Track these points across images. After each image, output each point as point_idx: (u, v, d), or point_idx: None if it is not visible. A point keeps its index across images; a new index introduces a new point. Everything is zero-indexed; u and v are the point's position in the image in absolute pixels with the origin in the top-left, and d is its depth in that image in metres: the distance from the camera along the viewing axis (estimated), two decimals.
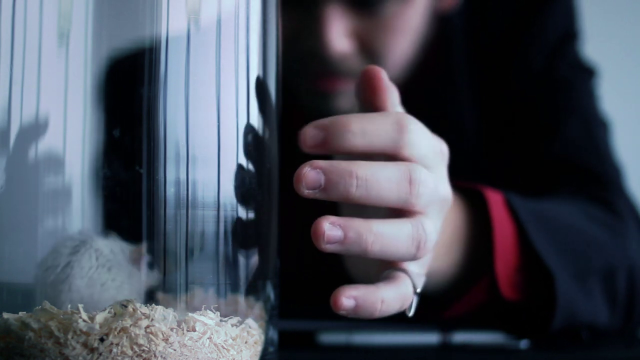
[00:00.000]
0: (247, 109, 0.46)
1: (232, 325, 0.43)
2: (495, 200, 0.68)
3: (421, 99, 0.87)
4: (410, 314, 0.50)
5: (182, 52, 0.44)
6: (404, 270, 0.50)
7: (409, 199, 0.47)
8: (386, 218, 0.48)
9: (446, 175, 0.52)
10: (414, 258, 0.49)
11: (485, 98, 0.92)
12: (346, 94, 0.83)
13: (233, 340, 0.43)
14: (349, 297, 0.47)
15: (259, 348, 0.45)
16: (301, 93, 0.85)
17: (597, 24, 1.16)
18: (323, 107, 0.84)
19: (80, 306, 0.41)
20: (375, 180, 0.46)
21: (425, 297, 0.66)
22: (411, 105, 0.58)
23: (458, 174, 0.58)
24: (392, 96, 0.51)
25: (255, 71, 0.46)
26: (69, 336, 0.40)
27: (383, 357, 0.60)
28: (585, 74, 0.94)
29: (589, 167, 0.86)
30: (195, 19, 0.44)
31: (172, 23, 0.44)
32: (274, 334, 0.47)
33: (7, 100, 0.44)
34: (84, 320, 0.40)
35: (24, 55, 0.44)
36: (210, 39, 0.45)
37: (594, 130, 0.90)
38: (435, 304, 0.68)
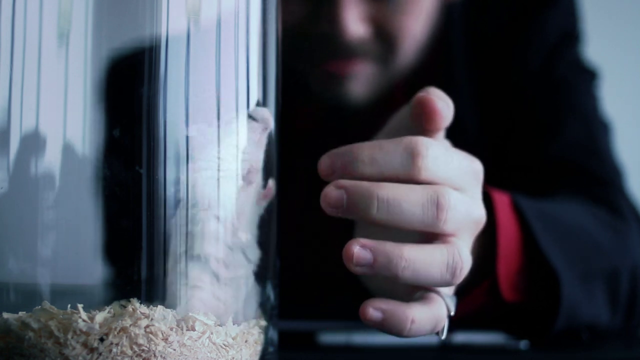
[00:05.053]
0: (247, 109, 0.46)
1: (232, 325, 0.43)
2: (502, 201, 0.67)
3: None
4: (443, 337, 0.49)
5: (182, 52, 0.44)
6: (437, 292, 0.49)
7: (437, 224, 0.47)
8: (419, 240, 0.48)
9: (480, 194, 0.51)
10: (448, 284, 0.48)
11: (485, 97, 0.93)
12: (358, 77, 0.83)
13: (233, 339, 0.43)
14: (377, 309, 0.47)
15: (258, 348, 0.45)
16: (313, 77, 0.85)
17: (598, 25, 1.16)
18: (335, 91, 0.84)
19: (80, 306, 0.41)
20: (398, 203, 0.46)
21: None
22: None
23: None
24: (444, 119, 0.51)
25: (255, 71, 0.46)
26: (69, 336, 0.40)
27: (383, 357, 0.60)
28: (585, 75, 0.94)
29: (589, 168, 0.86)
30: (195, 19, 0.44)
31: (172, 23, 0.44)
32: (274, 334, 0.47)
33: (7, 100, 0.44)
34: (84, 320, 0.40)
35: (24, 55, 0.44)
36: (210, 39, 0.45)
37: (594, 131, 0.90)
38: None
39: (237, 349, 0.43)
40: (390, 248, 0.46)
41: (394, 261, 0.46)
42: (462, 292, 0.66)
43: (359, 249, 0.46)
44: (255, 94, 0.46)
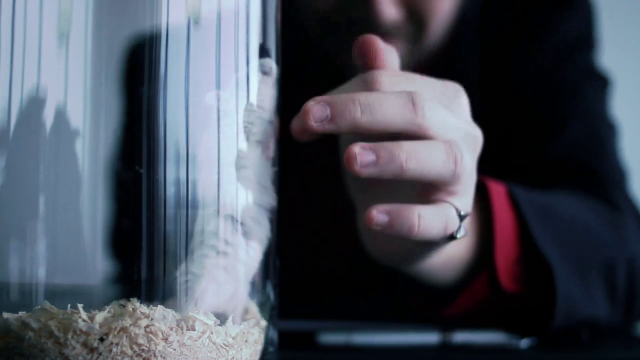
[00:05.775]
0: (247, 107, 0.46)
1: (232, 325, 0.43)
2: (498, 191, 0.68)
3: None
4: (459, 235, 0.51)
5: (182, 52, 0.44)
6: (445, 200, 0.50)
7: (415, 120, 0.48)
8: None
9: (474, 161, 0.52)
10: (453, 175, 0.49)
11: (492, 95, 0.93)
12: None
13: (233, 339, 0.43)
14: (382, 212, 0.48)
15: (258, 347, 0.45)
16: (345, 62, 0.86)
17: (613, 32, 1.16)
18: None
19: (80, 306, 0.41)
20: (379, 103, 0.47)
21: (428, 293, 0.67)
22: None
23: None
24: (390, 57, 0.52)
25: (255, 70, 0.46)
26: (69, 336, 0.40)
27: (383, 357, 0.60)
28: (596, 81, 0.95)
29: (590, 166, 0.86)
30: (195, 18, 0.44)
31: (172, 23, 0.44)
32: (274, 334, 0.47)
33: (7, 100, 0.44)
34: (84, 320, 0.40)
35: (24, 55, 0.44)
36: (210, 39, 0.45)
37: (599, 132, 0.90)
38: (437, 300, 0.68)
39: (237, 348, 0.43)
40: (390, 145, 0.47)
41: (396, 153, 0.47)
42: (463, 284, 0.66)
43: (360, 149, 0.47)
44: (256, 93, 0.46)
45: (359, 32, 0.85)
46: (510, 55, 0.94)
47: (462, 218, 0.51)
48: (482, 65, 0.94)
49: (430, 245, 0.54)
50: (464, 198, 0.52)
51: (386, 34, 0.81)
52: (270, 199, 0.47)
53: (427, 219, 0.49)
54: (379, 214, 0.48)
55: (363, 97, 0.48)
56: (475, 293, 0.67)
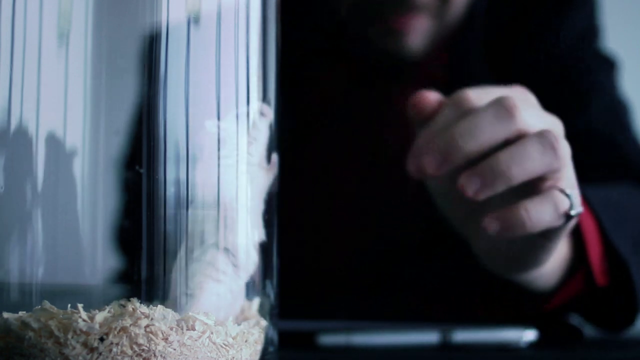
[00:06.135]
0: (247, 108, 0.46)
1: (232, 325, 0.43)
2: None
3: (437, 82, 0.90)
4: (575, 212, 0.54)
5: (182, 52, 0.44)
6: (550, 186, 0.54)
7: (513, 126, 0.53)
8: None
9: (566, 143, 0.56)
10: (556, 161, 0.53)
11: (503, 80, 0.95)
12: (416, 31, 0.87)
13: (233, 339, 0.43)
14: (492, 219, 0.53)
15: (259, 347, 0.45)
16: (372, 35, 0.88)
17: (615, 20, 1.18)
18: (394, 46, 0.87)
19: (80, 306, 0.41)
20: (479, 129, 0.54)
21: (529, 292, 0.69)
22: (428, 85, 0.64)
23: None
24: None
25: (255, 70, 0.46)
26: (69, 336, 0.40)
27: (383, 357, 0.60)
28: (606, 64, 0.97)
29: (616, 142, 0.89)
30: (195, 18, 0.44)
31: (172, 23, 0.44)
32: (274, 334, 0.47)
33: (7, 100, 0.44)
34: (84, 320, 0.40)
35: (24, 55, 0.44)
36: (210, 39, 0.45)
37: (617, 110, 0.93)
38: (539, 298, 0.70)
39: (237, 348, 0.43)
40: (490, 162, 0.52)
41: (499, 167, 0.52)
42: (560, 285, 0.69)
43: (467, 178, 0.53)
44: (255, 93, 0.46)
45: (388, 5, 0.87)
46: (520, 46, 0.95)
47: (569, 196, 0.54)
48: (492, 58, 0.95)
49: (553, 233, 0.57)
50: (566, 178, 0.55)
51: (413, 9, 0.84)
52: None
53: (534, 210, 0.52)
54: (490, 222, 0.53)
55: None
56: (572, 289, 0.69)
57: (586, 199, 0.69)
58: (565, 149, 0.54)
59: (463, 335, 0.63)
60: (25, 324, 0.40)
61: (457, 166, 0.54)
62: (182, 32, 0.44)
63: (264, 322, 0.46)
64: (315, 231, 0.95)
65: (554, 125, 0.57)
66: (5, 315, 0.42)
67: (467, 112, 0.55)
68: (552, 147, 0.53)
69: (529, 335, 0.64)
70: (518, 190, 0.54)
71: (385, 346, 0.63)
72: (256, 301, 0.46)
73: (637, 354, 0.68)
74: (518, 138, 0.54)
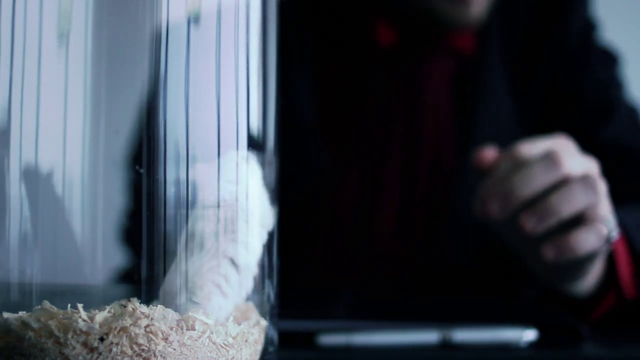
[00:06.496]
0: (247, 108, 0.46)
1: (232, 324, 0.43)
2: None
3: (454, 89, 0.93)
4: (613, 236, 0.70)
5: (182, 52, 0.44)
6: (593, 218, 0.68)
7: (560, 173, 0.68)
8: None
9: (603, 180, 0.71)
10: (597, 201, 0.68)
11: (522, 86, 0.98)
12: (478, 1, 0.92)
13: (233, 339, 0.43)
14: (550, 249, 0.68)
15: (259, 347, 0.45)
16: (433, 5, 0.93)
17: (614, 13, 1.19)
18: (456, 14, 0.93)
19: (80, 306, 0.41)
20: (531, 182, 0.69)
21: (578, 305, 0.80)
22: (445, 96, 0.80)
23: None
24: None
25: (255, 70, 0.46)
26: (69, 336, 0.40)
27: (383, 357, 0.60)
28: (609, 59, 1.01)
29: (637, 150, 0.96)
30: (195, 19, 0.44)
31: (172, 23, 0.44)
32: (274, 334, 0.47)
33: (7, 100, 0.44)
34: (84, 320, 0.40)
35: (24, 55, 0.44)
36: (210, 39, 0.45)
37: (632, 115, 0.98)
38: (586, 309, 0.81)
39: (237, 348, 0.43)
40: (545, 203, 0.68)
41: (552, 208, 0.67)
42: (599, 297, 0.80)
43: (527, 218, 0.68)
44: (256, 93, 0.46)
45: None
46: (539, 43, 0.99)
47: (607, 225, 0.69)
48: (510, 59, 0.98)
49: (595, 254, 0.72)
50: (604, 209, 0.70)
51: None
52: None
53: (581, 239, 0.68)
54: (547, 251, 0.68)
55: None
56: (608, 302, 0.80)
57: (619, 220, 0.79)
58: (601, 187, 0.69)
59: (463, 335, 0.64)
60: (25, 324, 0.40)
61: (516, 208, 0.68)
62: (182, 32, 0.44)
63: (264, 322, 0.46)
64: (315, 229, 0.95)
65: (591, 166, 0.70)
66: (5, 315, 0.42)
67: (521, 164, 0.68)
68: (592, 188, 0.67)
69: (529, 335, 0.64)
70: (566, 223, 0.68)
71: (385, 346, 0.63)
72: (256, 301, 0.46)
73: (637, 354, 0.68)
74: (564, 181, 0.68)
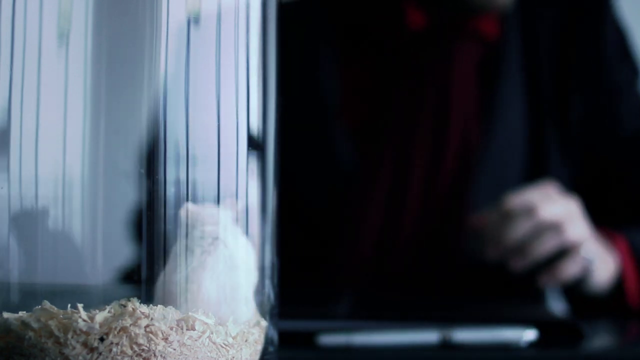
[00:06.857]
0: (247, 108, 0.46)
1: (232, 324, 0.43)
2: (620, 240, 0.95)
3: (479, 75, 0.97)
4: (594, 266, 0.88)
5: (182, 52, 0.44)
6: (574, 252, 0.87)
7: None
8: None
9: (583, 221, 0.89)
10: (571, 244, 0.87)
11: (536, 80, 1.00)
12: None
13: (233, 339, 0.43)
14: (544, 276, 0.88)
15: (259, 347, 0.45)
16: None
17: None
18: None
19: (80, 306, 0.41)
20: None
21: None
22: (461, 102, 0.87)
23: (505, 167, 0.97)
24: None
25: (255, 70, 0.46)
26: (69, 336, 0.40)
27: (383, 357, 0.60)
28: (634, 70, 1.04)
29: None
30: (195, 19, 0.44)
31: (172, 23, 0.44)
32: (274, 334, 0.47)
33: (7, 100, 0.44)
34: (84, 320, 0.40)
35: (24, 55, 0.44)
36: (210, 39, 0.45)
37: None
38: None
39: (237, 348, 0.43)
40: (526, 249, 0.87)
41: (531, 252, 0.88)
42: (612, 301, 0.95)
43: (515, 263, 0.88)
44: (256, 93, 0.46)
45: None
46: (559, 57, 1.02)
47: (588, 257, 0.88)
48: (528, 70, 1.01)
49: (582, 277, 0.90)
50: (586, 246, 0.87)
51: None
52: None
53: (565, 268, 0.87)
54: (543, 279, 0.89)
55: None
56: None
57: (632, 246, 0.95)
58: (579, 228, 0.87)
59: (463, 335, 0.64)
60: (25, 324, 0.40)
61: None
62: (182, 32, 0.44)
63: (264, 322, 0.46)
64: (315, 229, 0.95)
65: (569, 208, 0.87)
66: (6, 315, 0.42)
67: (507, 216, 0.86)
68: (561, 231, 0.86)
69: (529, 335, 0.64)
70: (557, 254, 0.87)
71: (385, 346, 0.63)
72: (256, 301, 0.46)
73: (637, 354, 0.68)
74: (538, 228, 0.86)
